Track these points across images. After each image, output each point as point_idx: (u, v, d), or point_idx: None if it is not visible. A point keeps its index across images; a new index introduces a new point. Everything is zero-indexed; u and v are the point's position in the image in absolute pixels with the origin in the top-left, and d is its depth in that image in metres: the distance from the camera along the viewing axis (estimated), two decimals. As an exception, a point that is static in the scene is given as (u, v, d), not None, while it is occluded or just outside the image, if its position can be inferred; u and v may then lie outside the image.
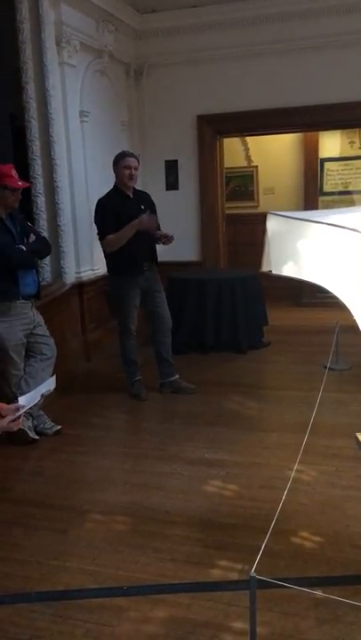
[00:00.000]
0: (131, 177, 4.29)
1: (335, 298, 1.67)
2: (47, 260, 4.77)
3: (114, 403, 4.49)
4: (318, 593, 2.11)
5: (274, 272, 2.25)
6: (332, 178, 7.83)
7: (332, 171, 7.81)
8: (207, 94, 6.29)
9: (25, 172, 4.64)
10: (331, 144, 7.77)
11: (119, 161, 4.30)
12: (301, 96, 6.01)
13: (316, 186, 7.82)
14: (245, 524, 2.73)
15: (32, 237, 3.70)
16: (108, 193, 4.40)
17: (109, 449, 3.71)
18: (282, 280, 2.47)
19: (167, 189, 6.59)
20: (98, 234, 4.35)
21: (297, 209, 7.35)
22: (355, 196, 7.72)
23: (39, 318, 3.81)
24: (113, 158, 4.37)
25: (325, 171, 7.82)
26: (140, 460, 3.52)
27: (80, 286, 5.31)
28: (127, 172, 4.27)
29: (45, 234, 4.75)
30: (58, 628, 2.13)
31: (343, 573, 2.35)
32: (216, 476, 3.22)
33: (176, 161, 6.61)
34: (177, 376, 4.61)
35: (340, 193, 7.81)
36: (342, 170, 7.80)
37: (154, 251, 4.48)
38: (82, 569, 2.47)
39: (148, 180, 6.34)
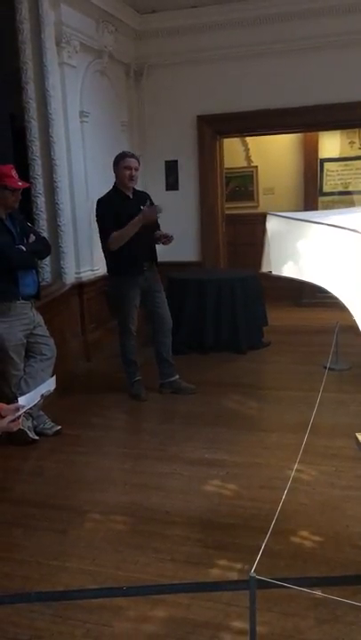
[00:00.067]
0: (131, 177, 4.28)
1: (335, 298, 1.68)
2: (47, 260, 4.77)
3: (114, 403, 4.49)
4: (318, 593, 2.10)
5: (274, 272, 2.26)
6: (332, 178, 7.83)
7: (332, 171, 7.82)
8: (207, 95, 6.30)
9: (25, 173, 4.65)
10: (331, 144, 7.78)
11: (119, 161, 4.30)
12: (301, 96, 6.01)
13: (316, 186, 7.82)
14: (245, 524, 2.73)
15: (32, 238, 3.70)
16: (108, 193, 4.40)
17: (109, 449, 3.71)
18: (282, 280, 2.46)
19: (167, 190, 6.59)
20: (100, 234, 4.34)
21: (297, 209, 7.36)
22: (355, 197, 7.72)
23: (39, 318, 3.81)
24: (113, 159, 4.37)
25: (325, 171, 7.83)
26: (140, 461, 3.52)
27: (80, 286, 5.31)
28: (127, 172, 4.26)
29: (45, 234, 4.75)
30: (57, 628, 2.13)
31: (343, 573, 2.35)
32: (216, 476, 3.22)
33: (176, 161, 6.61)
34: (177, 376, 4.61)
35: (340, 193, 7.81)
36: (342, 170, 7.80)
37: (154, 251, 4.48)
38: (82, 569, 2.46)
39: (148, 181, 6.35)
